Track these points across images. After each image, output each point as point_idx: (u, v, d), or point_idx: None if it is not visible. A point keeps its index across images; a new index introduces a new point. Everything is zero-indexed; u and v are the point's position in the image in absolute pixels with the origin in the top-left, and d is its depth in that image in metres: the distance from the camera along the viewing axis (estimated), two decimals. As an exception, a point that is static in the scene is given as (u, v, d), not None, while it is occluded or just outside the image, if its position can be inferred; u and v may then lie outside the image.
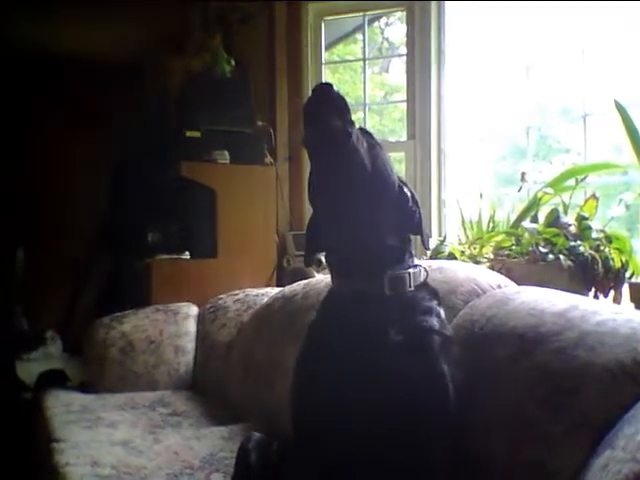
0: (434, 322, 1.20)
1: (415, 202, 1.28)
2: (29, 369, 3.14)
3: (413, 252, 1.28)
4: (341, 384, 1.14)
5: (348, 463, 1.11)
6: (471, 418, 1.23)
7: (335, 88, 1.16)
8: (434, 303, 1.24)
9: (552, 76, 3.00)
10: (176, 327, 2.49)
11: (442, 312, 1.25)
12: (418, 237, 1.33)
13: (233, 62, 3.04)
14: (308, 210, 3.28)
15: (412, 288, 1.22)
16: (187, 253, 2.89)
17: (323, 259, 1.31)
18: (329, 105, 1.15)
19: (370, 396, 1.12)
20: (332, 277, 1.28)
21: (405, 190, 1.26)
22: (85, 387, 2.38)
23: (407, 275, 1.22)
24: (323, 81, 1.19)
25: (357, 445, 1.11)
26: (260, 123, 3.08)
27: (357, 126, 1.20)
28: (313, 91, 1.17)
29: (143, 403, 2.16)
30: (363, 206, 1.18)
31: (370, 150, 1.20)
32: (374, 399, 1.12)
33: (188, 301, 2.66)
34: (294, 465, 1.18)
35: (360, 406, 1.12)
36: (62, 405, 2.14)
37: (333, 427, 1.13)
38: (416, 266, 1.25)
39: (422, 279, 1.25)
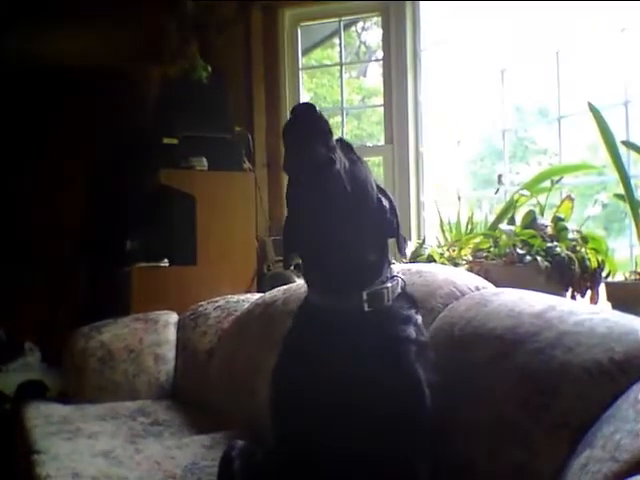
0: (411, 331, 1.20)
1: (393, 212, 1.27)
2: (8, 380, 3.10)
3: (391, 260, 1.28)
4: (317, 396, 1.14)
5: (329, 475, 1.10)
6: (451, 421, 1.24)
7: (316, 109, 1.11)
8: (412, 312, 1.24)
9: (527, 79, 3.03)
10: (156, 335, 2.47)
11: (419, 318, 1.26)
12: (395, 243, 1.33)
13: (210, 68, 3.04)
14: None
15: (390, 302, 1.21)
16: (166, 260, 2.88)
17: (300, 263, 1.30)
18: (312, 131, 1.10)
19: (347, 408, 1.12)
20: (309, 288, 1.27)
21: (384, 202, 1.25)
22: (65, 397, 2.35)
23: (385, 290, 1.21)
24: (302, 101, 1.13)
25: (336, 457, 1.11)
26: (238, 129, 3.07)
27: (336, 137, 1.17)
28: (293, 113, 1.11)
29: (124, 413, 2.14)
30: (343, 226, 1.16)
31: (351, 167, 1.17)
32: (351, 411, 1.12)
33: (168, 309, 2.64)
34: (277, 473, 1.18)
35: (337, 418, 1.12)
36: (42, 416, 2.11)
37: (311, 440, 1.13)
38: (394, 277, 1.24)
39: (399, 290, 1.25)
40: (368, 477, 1.10)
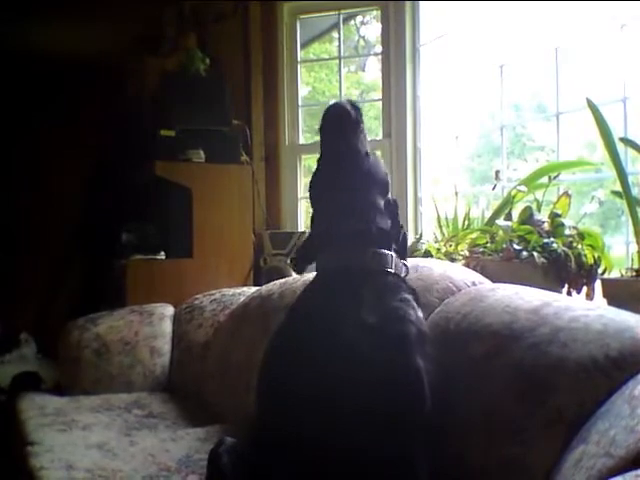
0: (410, 312, 1.24)
1: (399, 217, 1.41)
2: (3, 372, 3.09)
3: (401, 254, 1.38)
4: (312, 367, 1.16)
5: (319, 458, 1.10)
6: (446, 415, 1.24)
7: (350, 109, 1.39)
8: (411, 297, 1.29)
9: (526, 75, 3.03)
10: (152, 328, 2.47)
11: (420, 311, 1.28)
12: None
13: (208, 61, 3.03)
14: (285, 209, 3.27)
15: (392, 271, 1.29)
16: (162, 253, 2.87)
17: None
18: (349, 130, 1.38)
19: (343, 379, 1.13)
20: (319, 260, 1.36)
21: (398, 206, 1.41)
22: (60, 389, 2.35)
23: (390, 256, 1.31)
24: (338, 101, 1.45)
25: (327, 434, 1.11)
26: (235, 122, 3.06)
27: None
28: (325, 110, 1.39)
29: (118, 405, 2.14)
30: (363, 189, 1.34)
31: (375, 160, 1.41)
32: (347, 383, 1.13)
33: (164, 302, 2.63)
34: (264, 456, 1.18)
35: (330, 389, 1.13)
36: (36, 408, 2.11)
37: (302, 411, 1.14)
38: (400, 260, 1.34)
39: (403, 273, 1.33)
40: (363, 457, 1.10)
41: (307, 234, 1.48)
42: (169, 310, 2.58)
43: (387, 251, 1.31)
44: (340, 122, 1.38)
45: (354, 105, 1.41)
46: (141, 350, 2.40)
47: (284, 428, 1.16)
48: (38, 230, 4.05)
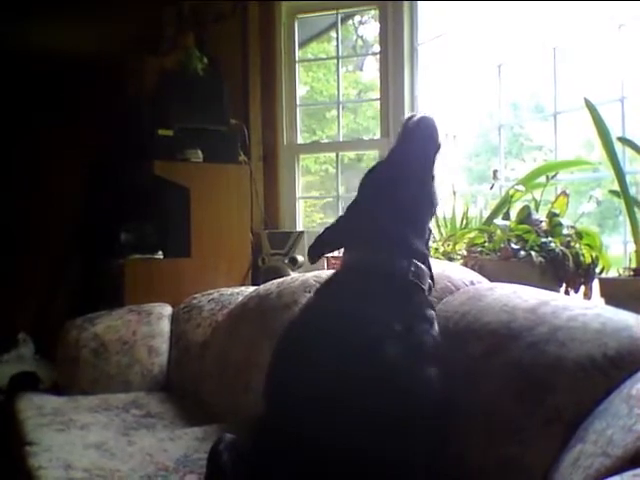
0: (434, 328, 1.27)
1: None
2: (1, 372, 3.09)
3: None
4: (329, 365, 1.16)
5: (326, 456, 1.10)
6: (447, 414, 1.24)
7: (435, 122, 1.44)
8: (434, 314, 1.32)
9: (524, 74, 3.03)
10: (150, 327, 2.46)
11: (436, 327, 1.30)
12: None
13: (206, 60, 3.02)
14: (283, 208, 3.27)
15: (424, 286, 1.32)
16: (160, 253, 2.87)
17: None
18: (432, 147, 1.43)
19: (355, 379, 1.13)
20: (350, 252, 1.37)
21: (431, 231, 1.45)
22: (58, 389, 2.35)
23: (427, 274, 1.33)
24: (424, 114, 1.49)
25: (336, 435, 1.10)
26: (233, 121, 3.06)
27: None
28: (416, 117, 1.44)
29: (116, 405, 2.14)
30: (419, 207, 1.38)
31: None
32: (361, 387, 1.13)
33: (162, 301, 2.63)
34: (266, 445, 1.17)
35: (346, 389, 1.13)
36: (35, 408, 2.10)
37: (312, 411, 1.13)
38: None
39: (428, 287, 1.36)
40: (366, 467, 1.10)
41: (335, 221, 1.46)
42: (167, 310, 2.58)
43: (424, 267, 1.33)
44: (429, 135, 1.41)
45: None
46: (139, 350, 2.40)
47: (295, 427, 1.15)
48: (36, 230, 4.05)
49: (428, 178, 1.40)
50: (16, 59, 3.82)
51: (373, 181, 1.42)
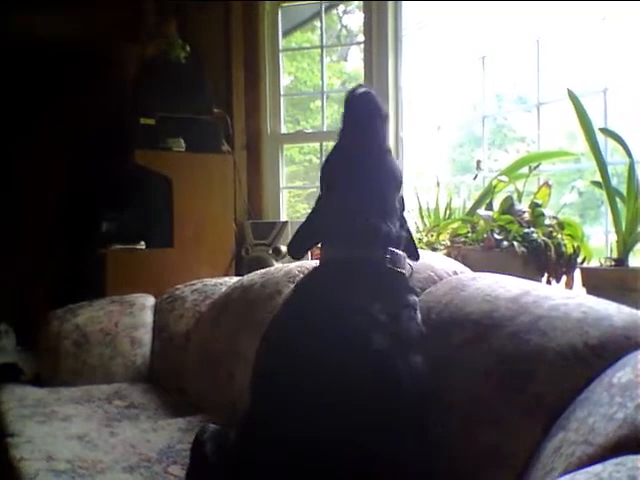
0: (417, 315, 1.27)
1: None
2: (-19, 364, 3.05)
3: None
4: (315, 357, 1.15)
5: (312, 447, 1.09)
6: (430, 403, 1.24)
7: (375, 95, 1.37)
8: (416, 299, 1.31)
9: (507, 66, 3.04)
10: (132, 318, 2.45)
11: (419, 314, 1.30)
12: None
13: (188, 48, 3.00)
14: (266, 198, 3.26)
15: (404, 271, 1.31)
16: (143, 243, 2.85)
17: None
18: (379, 122, 1.37)
19: (344, 374, 1.12)
20: (327, 249, 1.35)
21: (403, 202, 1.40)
22: (40, 381, 2.33)
23: (403, 257, 1.32)
24: (361, 87, 1.40)
25: (323, 427, 1.10)
26: (216, 110, 3.04)
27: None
28: (354, 95, 1.37)
29: (99, 396, 2.13)
30: (384, 186, 1.33)
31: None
32: (348, 379, 1.12)
33: (144, 292, 2.61)
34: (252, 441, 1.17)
35: (334, 383, 1.12)
36: (16, 399, 2.09)
37: (299, 405, 1.13)
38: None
39: (409, 272, 1.35)
40: (348, 455, 1.10)
41: (307, 217, 1.44)
42: (150, 300, 2.56)
43: (400, 252, 1.31)
44: (372, 112, 1.36)
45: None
46: (121, 341, 2.38)
47: (281, 421, 1.14)
48: (16, 219, 3.99)
49: (384, 154, 1.37)
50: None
51: (332, 172, 1.39)
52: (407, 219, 1.42)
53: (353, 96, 1.37)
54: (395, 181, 1.36)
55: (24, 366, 2.63)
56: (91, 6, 3.45)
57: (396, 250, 1.30)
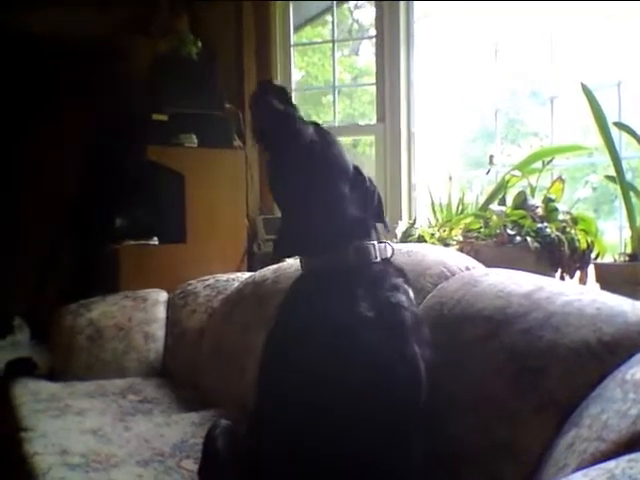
0: (402, 298, 1.21)
1: (373, 185, 1.32)
2: (-4, 358, 3.08)
3: (378, 233, 1.31)
4: (311, 362, 1.14)
5: (316, 445, 1.10)
6: (438, 398, 1.24)
7: (275, 82, 1.31)
8: (400, 280, 1.26)
9: (520, 59, 3.02)
10: (145, 314, 2.46)
11: (410, 291, 1.27)
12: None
13: (200, 44, 3.00)
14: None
15: (378, 259, 1.25)
16: (155, 238, 2.86)
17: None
18: (272, 95, 1.26)
19: (340, 372, 1.12)
20: (300, 262, 1.31)
21: (362, 171, 1.31)
22: (53, 375, 2.35)
23: (372, 246, 1.25)
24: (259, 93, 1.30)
25: (326, 426, 1.10)
26: (228, 106, 3.04)
27: (311, 121, 1.32)
28: (254, 109, 1.29)
29: (112, 390, 2.14)
30: (319, 179, 1.25)
31: (323, 136, 1.29)
32: (344, 375, 1.12)
33: (157, 287, 2.63)
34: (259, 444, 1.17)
35: (331, 383, 1.12)
36: (30, 394, 2.10)
37: (301, 406, 1.13)
38: (382, 242, 1.29)
39: (388, 255, 1.28)
40: (359, 445, 1.09)
41: (279, 231, 1.37)
42: (163, 296, 2.57)
43: (368, 241, 1.25)
44: (280, 112, 1.26)
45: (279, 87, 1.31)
46: (135, 336, 2.40)
47: (283, 419, 1.15)
48: (30, 215, 4.03)
49: (315, 149, 1.26)
50: (2, 41, 3.77)
51: (279, 186, 1.32)
52: (368, 186, 1.32)
53: (255, 103, 1.29)
54: (330, 163, 1.27)
55: (38, 360, 2.66)
56: (105, 2, 3.46)
57: (361, 243, 1.24)
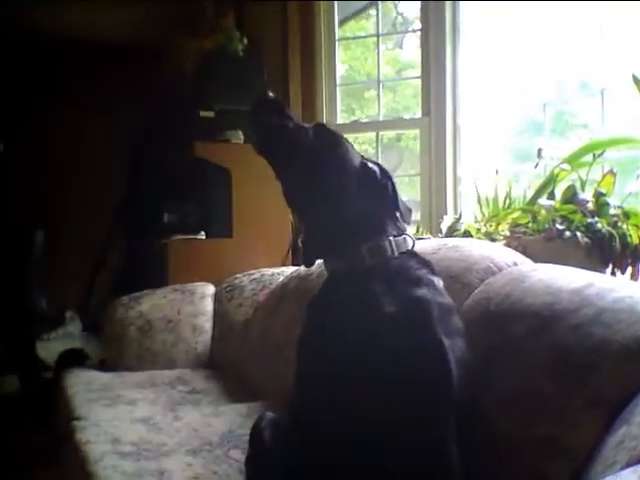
0: (425, 292, 1.20)
1: (386, 175, 1.30)
2: (49, 349, 3.19)
3: (399, 224, 1.30)
4: (340, 361, 1.16)
5: (348, 440, 1.11)
6: (485, 393, 1.24)
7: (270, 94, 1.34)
8: (424, 272, 1.24)
9: (570, 50, 2.95)
10: (193, 306, 2.51)
11: (437, 280, 1.25)
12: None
13: (246, 41, 3.03)
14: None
15: (395, 255, 1.24)
16: (203, 233, 2.91)
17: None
18: (268, 110, 1.29)
19: (368, 370, 1.13)
20: (325, 265, 1.33)
21: (370, 165, 1.30)
22: (105, 366, 2.42)
23: (387, 242, 1.24)
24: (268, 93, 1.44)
25: (357, 421, 1.11)
26: (274, 102, 3.06)
27: (314, 123, 1.36)
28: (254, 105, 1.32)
29: (162, 381, 2.19)
30: (323, 185, 1.26)
31: (322, 138, 1.30)
32: (373, 373, 1.12)
33: (204, 281, 2.67)
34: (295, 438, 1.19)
35: (360, 381, 1.13)
36: (82, 384, 2.16)
37: (334, 406, 1.14)
38: (401, 235, 1.27)
39: (409, 247, 1.27)
40: (390, 439, 1.10)
41: (303, 241, 1.39)
42: (210, 289, 2.62)
43: (383, 238, 1.24)
44: (273, 137, 1.30)
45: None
46: (183, 328, 2.45)
47: (317, 413, 1.17)
48: (82, 212, 4.14)
49: (316, 158, 1.27)
50: (54, 41, 3.87)
51: (290, 199, 1.34)
52: (379, 180, 1.29)
53: (252, 128, 1.33)
54: (331, 161, 1.27)
55: (90, 351, 2.74)
56: (152, 3, 3.52)
57: (375, 242, 1.23)
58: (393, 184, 1.30)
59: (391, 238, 1.25)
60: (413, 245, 1.29)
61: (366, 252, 1.23)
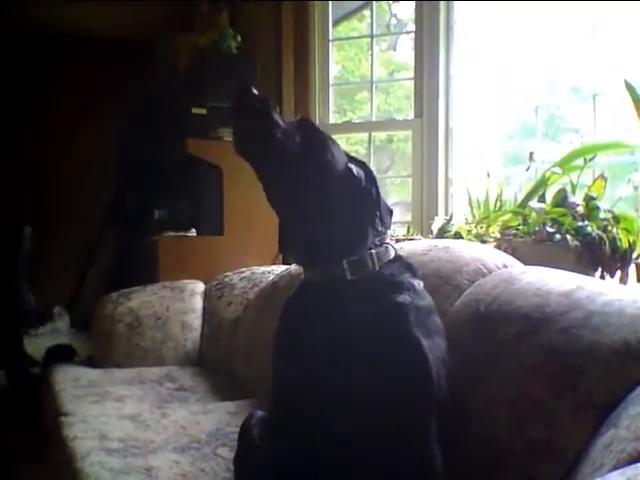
0: (405, 297, 1.19)
1: (371, 180, 1.26)
2: (37, 344, 3.17)
3: (380, 230, 1.26)
4: (314, 363, 1.16)
5: (330, 441, 1.11)
6: (473, 396, 1.24)
7: (254, 91, 1.20)
8: (404, 277, 1.23)
9: (562, 54, 2.97)
10: (183, 304, 2.50)
11: (417, 282, 1.24)
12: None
13: (239, 38, 3.02)
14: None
15: (376, 268, 1.21)
16: (194, 230, 2.90)
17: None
18: (246, 108, 1.19)
19: (345, 373, 1.13)
20: (302, 272, 1.31)
21: (355, 170, 1.25)
22: (93, 362, 2.40)
23: (368, 256, 1.21)
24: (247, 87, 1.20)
25: (337, 422, 1.12)
26: (267, 100, 3.06)
27: (298, 118, 1.29)
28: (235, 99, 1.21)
29: (150, 378, 2.19)
30: (302, 197, 1.21)
31: (306, 139, 1.21)
32: (350, 376, 1.12)
33: (194, 278, 2.67)
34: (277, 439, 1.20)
35: (337, 384, 1.13)
36: (70, 380, 2.16)
37: (311, 407, 1.15)
38: (382, 245, 1.24)
39: (390, 257, 1.24)
40: (371, 447, 1.10)
41: (280, 230, 1.36)
42: (200, 287, 2.62)
43: (364, 252, 1.20)
44: (254, 138, 1.19)
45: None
46: (173, 325, 2.44)
47: (292, 418, 1.18)
48: (72, 208, 4.12)
49: (296, 163, 1.19)
50: (44, 36, 3.85)
51: (268, 197, 1.28)
52: (364, 186, 1.24)
53: (235, 122, 1.22)
54: (315, 180, 1.20)
55: (78, 347, 2.72)
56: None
57: (354, 258, 1.20)
58: (377, 188, 1.26)
59: (373, 251, 1.22)
60: (395, 254, 1.26)
61: (347, 267, 1.20)
